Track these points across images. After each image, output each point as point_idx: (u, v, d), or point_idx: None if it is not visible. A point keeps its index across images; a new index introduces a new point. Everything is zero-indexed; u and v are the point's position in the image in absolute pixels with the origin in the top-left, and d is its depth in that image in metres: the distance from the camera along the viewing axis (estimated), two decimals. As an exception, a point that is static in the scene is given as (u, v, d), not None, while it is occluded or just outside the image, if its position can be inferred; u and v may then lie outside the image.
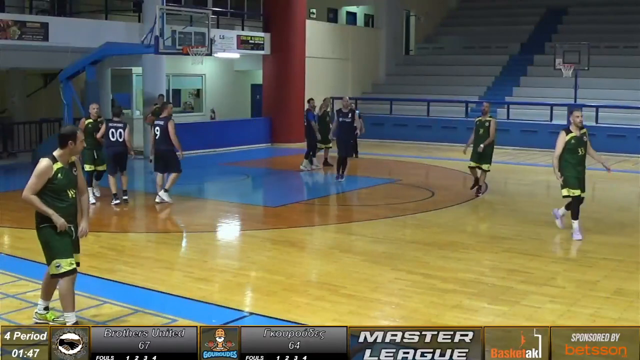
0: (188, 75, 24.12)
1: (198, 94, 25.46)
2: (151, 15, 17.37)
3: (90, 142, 12.10)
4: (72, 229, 6.40)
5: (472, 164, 13.52)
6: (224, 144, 20.82)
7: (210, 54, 18.32)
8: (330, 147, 17.47)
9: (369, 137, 21.85)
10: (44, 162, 6.23)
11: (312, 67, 24.36)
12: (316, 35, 25.07)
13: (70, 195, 6.33)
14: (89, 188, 12.22)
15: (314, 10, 28.57)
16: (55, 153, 6.31)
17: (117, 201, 12.87)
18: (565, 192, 10.23)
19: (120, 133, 12.72)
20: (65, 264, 6.30)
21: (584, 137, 10.15)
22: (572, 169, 10.09)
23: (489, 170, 13.55)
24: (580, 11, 30.32)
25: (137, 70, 21.23)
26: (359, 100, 26.45)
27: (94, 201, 12.67)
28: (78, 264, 6.50)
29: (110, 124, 12.80)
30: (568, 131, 10.13)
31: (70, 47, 17.53)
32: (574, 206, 10.25)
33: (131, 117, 21.97)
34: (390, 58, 29.40)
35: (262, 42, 23.17)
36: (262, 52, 23.39)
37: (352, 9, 31.51)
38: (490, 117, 13.49)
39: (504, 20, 31.17)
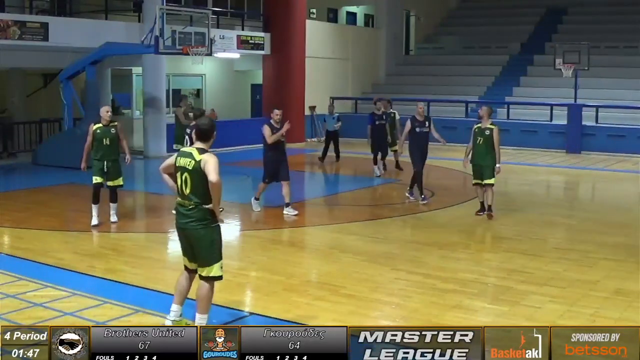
0: (188, 75, 24.10)
1: (198, 94, 25.44)
2: (151, 15, 17.38)
3: (100, 151, 10.67)
4: None
5: (477, 181, 11.80)
6: (224, 144, 20.77)
7: (210, 54, 18.35)
8: (396, 151, 16.95)
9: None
10: (214, 156, 5.99)
11: (312, 67, 24.35)
12: (316, 35, 25.05)
13: None
14: (93, 205, 10.81)
15: (314, 10, 28.56)
16: (205, 147, 6.08)
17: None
18: None
19: None
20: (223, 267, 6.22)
21: None
22: None
23: (493, 185, 11.67)
24: (580, 11, 30.31)
25: (137, 70, 21.22)
26: (359, 100, 26.46)
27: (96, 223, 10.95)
28: None
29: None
30: None
31: (70, 47, 17.55)
32: None
33: (131, 117, 21.98)
34: (390, 58, 29.37)
35: (262, 42, 23.17)
36: (262, 52, 23.38)
37: (352, 9, 31.51)
38: (492, 124, 11.58)
39: (504, 20, 31.15)
